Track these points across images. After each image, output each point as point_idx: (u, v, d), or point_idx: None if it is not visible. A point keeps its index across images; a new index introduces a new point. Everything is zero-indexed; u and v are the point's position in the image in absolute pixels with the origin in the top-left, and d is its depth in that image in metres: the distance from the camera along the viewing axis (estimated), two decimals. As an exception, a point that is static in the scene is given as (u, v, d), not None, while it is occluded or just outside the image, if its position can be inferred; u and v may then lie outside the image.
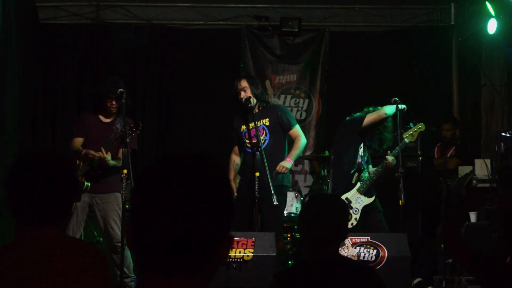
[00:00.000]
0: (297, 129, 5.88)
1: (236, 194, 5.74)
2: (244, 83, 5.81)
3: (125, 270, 5.42)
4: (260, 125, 5.73)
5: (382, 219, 5.89)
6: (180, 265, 1.21)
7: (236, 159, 5.94)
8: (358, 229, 5.66)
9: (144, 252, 1.23)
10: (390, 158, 5.78)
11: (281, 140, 5.82)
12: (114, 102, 5.64)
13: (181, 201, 1.19)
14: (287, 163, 5.66)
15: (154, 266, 1.22)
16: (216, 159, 1.29)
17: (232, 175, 5.92)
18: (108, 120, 5.78)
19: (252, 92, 5.80)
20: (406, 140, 5.94)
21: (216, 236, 1.23)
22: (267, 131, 5.76)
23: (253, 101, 5.72)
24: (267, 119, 5.81)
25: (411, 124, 6.18)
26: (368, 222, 5.87)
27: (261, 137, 5.66)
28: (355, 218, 5.76)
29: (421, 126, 6.09)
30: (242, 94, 5.78)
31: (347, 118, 6.14)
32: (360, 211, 5.80)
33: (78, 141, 5.71)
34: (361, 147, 5.98)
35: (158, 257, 1.21)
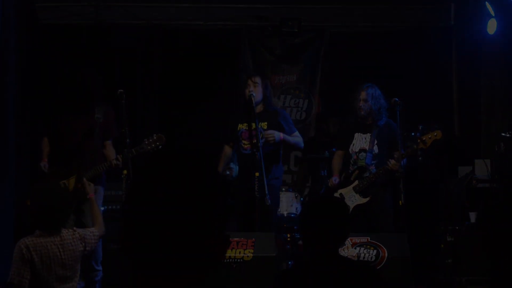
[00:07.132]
0: (297, 134, 5.96)
1: (235, 197, 5.80)
2: (258, 79, 5.84)
3: (93, 263, 5.37)
4: (259, 128, 5.70)
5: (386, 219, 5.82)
6: (176, 267, 1.20)
7: (228, 151, 6.02)
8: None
9: (138, 254, 1.22)
10: (392, 161, 5.66)
11: (276, 146, 5.82)
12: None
13: (172, 202, 1.20)
14: (277, 134, 5.67)
15: (149, 268, 1.21)
16: (211, 156, 1.29)
17: (221, 166, 6.00)
18: None
19: (263, 92, 5.81)
20: (415, 146, 5.58)
21: (211, 236, 1.22)
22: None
23: (255, 99, 5.71)
24: (266, 123, 5.80)
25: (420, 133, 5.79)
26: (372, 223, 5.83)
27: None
28: None
29: (437, 134, 5.51)
30: (252, 86, 5.76)
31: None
32: (351, 209, 5.77)
33: None
34: (353, 143, 5.98)
35: (153, 259, 1.20)
